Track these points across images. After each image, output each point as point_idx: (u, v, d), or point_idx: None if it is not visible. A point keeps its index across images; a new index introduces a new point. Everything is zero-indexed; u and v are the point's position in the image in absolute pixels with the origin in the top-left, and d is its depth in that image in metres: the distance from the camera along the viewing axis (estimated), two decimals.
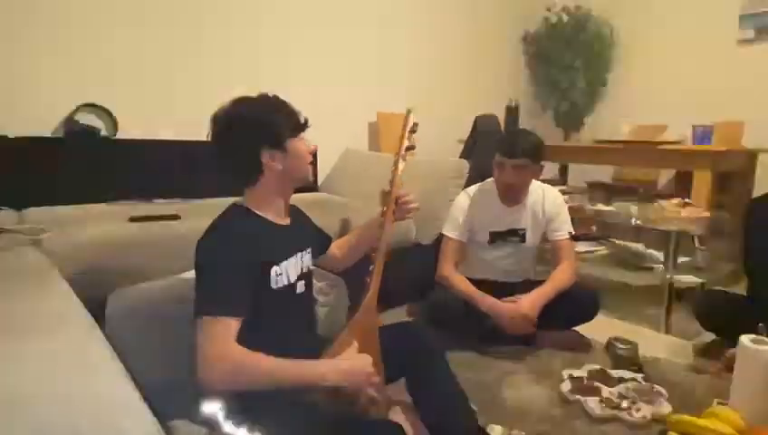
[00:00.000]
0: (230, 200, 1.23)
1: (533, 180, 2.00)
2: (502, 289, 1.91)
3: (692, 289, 2.37)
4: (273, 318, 1.14)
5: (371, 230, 1.46)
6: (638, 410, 1.45)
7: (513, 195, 1.97)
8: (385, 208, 1.42)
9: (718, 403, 1.41)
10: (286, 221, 1.26)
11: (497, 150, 1.94)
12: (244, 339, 1.03)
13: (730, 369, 1.49)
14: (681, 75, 3.77)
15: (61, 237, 1.49)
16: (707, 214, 2.49)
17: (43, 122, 2.14)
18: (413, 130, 1.50)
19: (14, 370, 0.62)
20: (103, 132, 2.26)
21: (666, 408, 1.48)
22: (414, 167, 2.38)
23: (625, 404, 1.48)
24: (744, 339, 1.39)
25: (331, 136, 3.01)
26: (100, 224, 1.63)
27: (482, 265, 2.07)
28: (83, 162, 2.11)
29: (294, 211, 1.35)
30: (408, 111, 1.52)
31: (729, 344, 1.67)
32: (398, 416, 1.33)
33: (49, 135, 2.16)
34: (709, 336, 2.01)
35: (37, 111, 2.12)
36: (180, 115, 2.39)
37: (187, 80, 2.51)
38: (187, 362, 1.01)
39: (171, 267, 1.33)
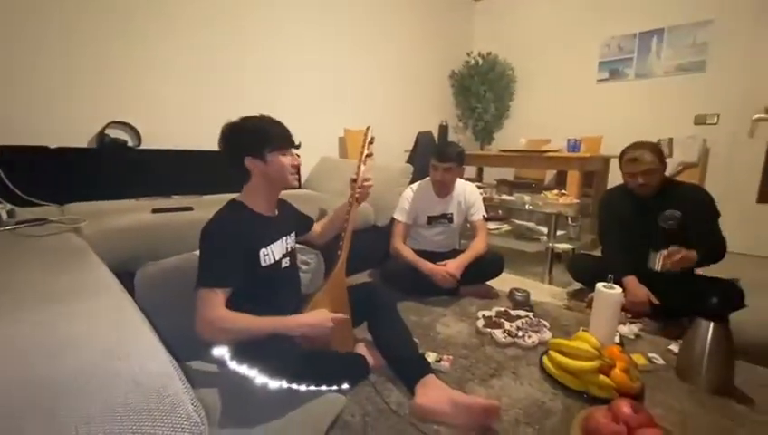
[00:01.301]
0: (234, 195, 1.19)
1: (458, 178, 2.03)
2: (436, 256, 1.93)
3: (566, 253, 2.47)
4: (264, 287, 1.12)
5: (342, 211, 1.46)
6: (529, 337, 1.51)
7: (443, 189, 2.00)
8: (351, 193, 1.43)
9: (582, 330, 1.47)
10: (274, 213, 1.23)
11: (432, 157, 1.96)
12: (245, 304, 1.02)
13: (590, 306, 1.56)
14: (559, 104, 3.88)
15: (96, 226, 1.39)
16: (577, 201, 2.59)
17: (77, 136, 1.97)
18: (371, 142, 1.49)
19: (64, 324, 0.59)
20: (130, 143, 2.12)
21: (548, 335, 1.54)
22: (375, 170, 2.38)
23: (521, 334, 1.53)
24: (599, 285, 1.47)
25: (311, 147, 2.93)
26: (129, 215, 1.53)
27: (422, 240, 2.09)
28: (114, 167, 1.97)
29: (282, 203, 1.31)
30: (367, 128, 1.51)
31: (590, 290, 1.77)
32: (361, 349, 1.34)
33: (84, 146, 2.01)
34: (577, 285, 2.10)
35: (72, 127, 1.95)
36: (192, 130, 2.28)
37: (196, 102, 2.38)
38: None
39: (186, 247, 1.28)
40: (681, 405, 1.16)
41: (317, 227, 1.52)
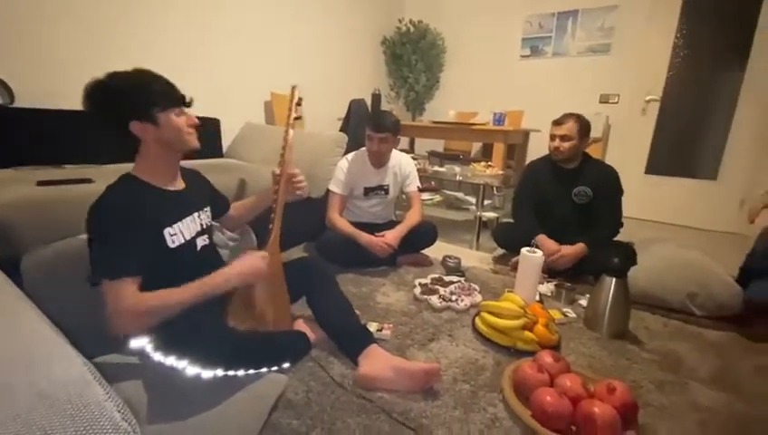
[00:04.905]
0: None
1: (393, 149, 2.02)
2: (373, 228, 1.93)
3: (491, 221, 2.64)
4: (179, 272, 0.97)
5: (266, 195, 1.33)
6: (462, 301, 1.60)
7: (379, 159, 1.97)
8: (278, 179, 1.28)
9: (508, 291, 1.59)
10: (179, 186, 1.07)
11: (368, 127, 1.91)
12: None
13: (514, 269, 1.71)
14: (485, 78, 4.02)
15: None
16: (502, 172, 2.77)
17: None
18: (298, 104, 1.37)
19: None
20: None
21: (478, 297, 1.65)
22: (307, 138, 2.26)
23: (454, 298, 1.62)
24: (524, 250, 1.60)
25: (233, 111, 2.70)
26: (4, 188, 1.25)
27: (359, 212, 2.07)
28: None
29: (191, 175, 1.16)
30: (293, 87, 1.37)
31: (512, 255, 1.93)
32: (300, 326, 1.31)
33: None
34: (501, 251, 2.27)
35: None
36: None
37: (94, 57, 2.00)
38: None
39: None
40: (589, 350, 1.34)
41: (233, 211, 1.37)
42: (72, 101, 1.90)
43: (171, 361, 0.91)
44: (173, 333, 0.93)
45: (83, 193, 1.32)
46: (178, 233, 1.01)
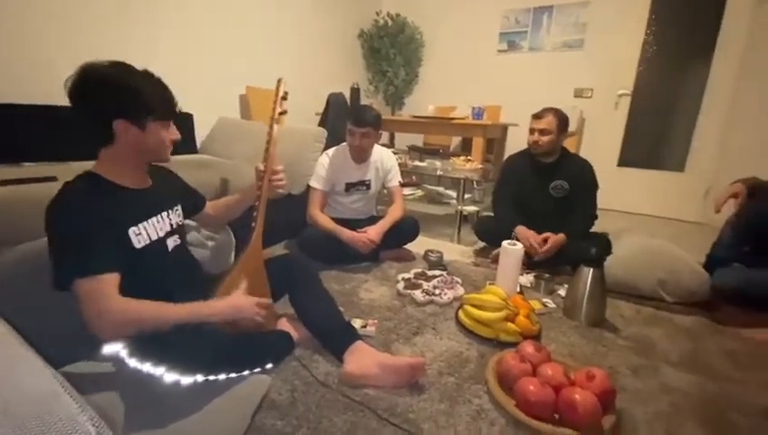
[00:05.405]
0: None
1: (375, 144, 2.00)
2: (355, 224, 1.92)
3: (472, 215, 2.68)
4: (149, 273, 0.94)
5: (250, 193, 1.29)
6: (445, 294, 1.61)
7: (361, 154, 1.95)
8: (262, 175, 1.25)
9: (490, 284, 1.62)
10: (145, 184, 1.02)
11: (349, 121, 1.89)
12: (129, 295, 0.86)
13: (495, 262, 1.74)
14: (464, 73, 4.04)
15: None
16: (481, 166, 2.80)
17: None
18: (284, 98, 1.32)
19: None
20: None
21: (461, 291, 1.67)
22: (286, 133, 2.20)
23: (437, 292, 1.62)
24: (505, 243, 1.62)
25: (207, 105, 2.61)
26: None
27: (340, 208, 2.05)
28: None
29: (159, 173, 1.10)
30: (279, 81, 1.32)
31: (492, 248, 1.95)
32: (284, 325, 1.29)
33: None
34: (482, 244, 2.29)
35: None
36: (49, 81, 1.81)
37: (56, 46, 1.88)
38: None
39: None
40: (568, 339, 1.38)
41: (210, 209, 1.32)
42: (35, 95, 1.80)
43: (148, 367, 0.88)
44: (149, 337, 0.89)
45: (48, 192, 1.24)
46: (144, 233, 0.95)
